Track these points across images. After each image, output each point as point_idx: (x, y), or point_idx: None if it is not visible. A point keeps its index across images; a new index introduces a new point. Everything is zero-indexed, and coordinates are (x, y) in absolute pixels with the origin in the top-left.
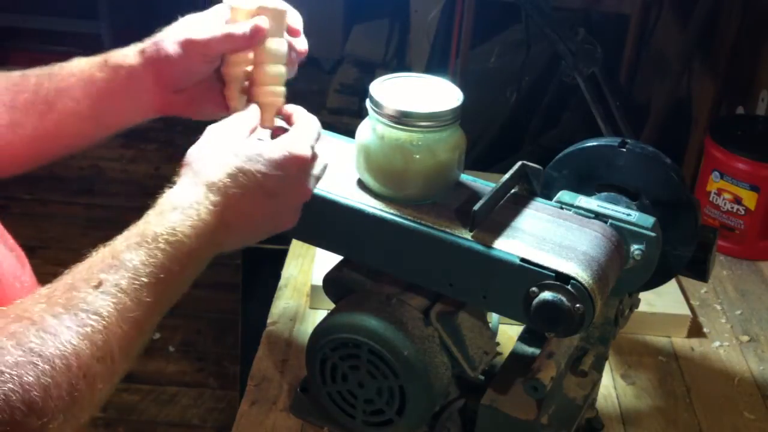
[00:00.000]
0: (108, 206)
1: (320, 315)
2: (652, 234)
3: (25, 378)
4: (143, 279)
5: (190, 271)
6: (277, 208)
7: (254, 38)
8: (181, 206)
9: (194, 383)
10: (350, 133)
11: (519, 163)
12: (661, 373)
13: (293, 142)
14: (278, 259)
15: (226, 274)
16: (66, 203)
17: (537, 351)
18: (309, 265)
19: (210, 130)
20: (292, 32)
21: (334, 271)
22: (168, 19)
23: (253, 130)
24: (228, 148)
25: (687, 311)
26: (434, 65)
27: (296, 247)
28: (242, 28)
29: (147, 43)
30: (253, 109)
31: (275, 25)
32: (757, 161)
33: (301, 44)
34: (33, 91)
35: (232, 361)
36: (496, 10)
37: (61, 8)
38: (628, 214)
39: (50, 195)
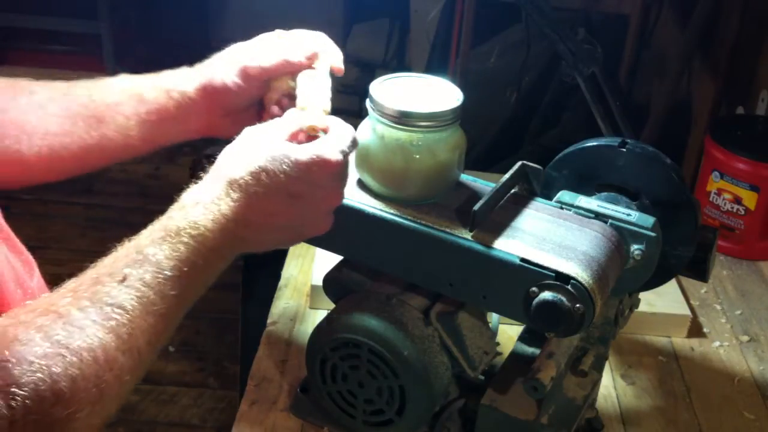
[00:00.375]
0: (108, 206)
1: (320, 315)
2: (652, 234)
3: (54, 369)
4: (167, 273)
5: (214, 266)
6: (302, 211)
7: (311, 60)
8: (203, 201)
9: (194, 383)
10: None
11: (519, 163)
12: (661, 373)
13: (323, 145)
14: (278, 259)
15: (226, 274)
16: (66, 203)
17: (537, 351)
18: (309, 265)
19: (246, 130)
20: (335, 71)
21: (334, 271)
22: (167, 19)
23: (293, 135)
24: (256, 148)
25: (687, 311)
26: (434, 65)
27: (296, 247)
28: (299, 53)
29: (200, 71)
30: (294, 114)
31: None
32: (757, 161)
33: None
34: (83, 104)
35: (232, 361)
36: (496, 10)
37: (61, 8)
38: (628, 214)
39: (50, 195)
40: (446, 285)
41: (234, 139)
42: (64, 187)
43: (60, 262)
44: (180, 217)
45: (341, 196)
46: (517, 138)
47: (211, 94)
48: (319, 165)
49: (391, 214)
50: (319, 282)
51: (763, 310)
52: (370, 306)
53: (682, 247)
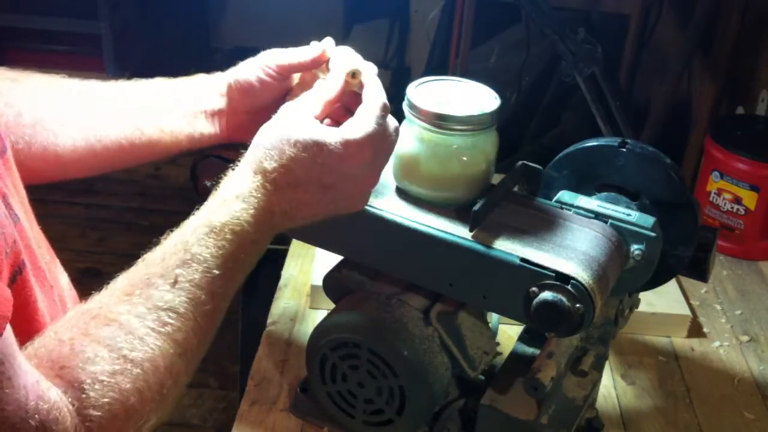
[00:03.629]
0: (108, 206)
1: (320, 315)
2: (652, 234)
3: (123, 385)
4: (214, 271)
5: (253, 258)
6: (336, 197)
7: (321, 57)
8: (242, 195)
9: (194, 383)
10: None
11: (519, 163)
12: (661, 373)
13: (353, 130)
14: (278, 259)
15: None
16: (66, 203)
17: (537, 351)
18: (309, 265)
19: (282, 109)
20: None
21: (334, 271)
22: (167, 19)
23: (331, 102)
24: (288, 135)
25: (687, 311)
26: (434, 65)
27: (296, 247)
28: (315, 49)
29: (227, 72)
30: (333, 79)
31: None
32: (757, 161)
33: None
34: (117, 100)
35: (232, 361)
36: (496, 10)
37: (61, 8)
38: (628, 214)
39: (50, 195)
40: (446, 285)
41: None
42: (64, 187)
43: (60, 262)
44: (222, 212)
45: (377, 178)
46: (517, 138)
47: (236, 91)
48: (351, 155)
49: (391, 214)
50: (319, 282)
51: (763, 310)
52: (370, 306)
53: (682, 247)
